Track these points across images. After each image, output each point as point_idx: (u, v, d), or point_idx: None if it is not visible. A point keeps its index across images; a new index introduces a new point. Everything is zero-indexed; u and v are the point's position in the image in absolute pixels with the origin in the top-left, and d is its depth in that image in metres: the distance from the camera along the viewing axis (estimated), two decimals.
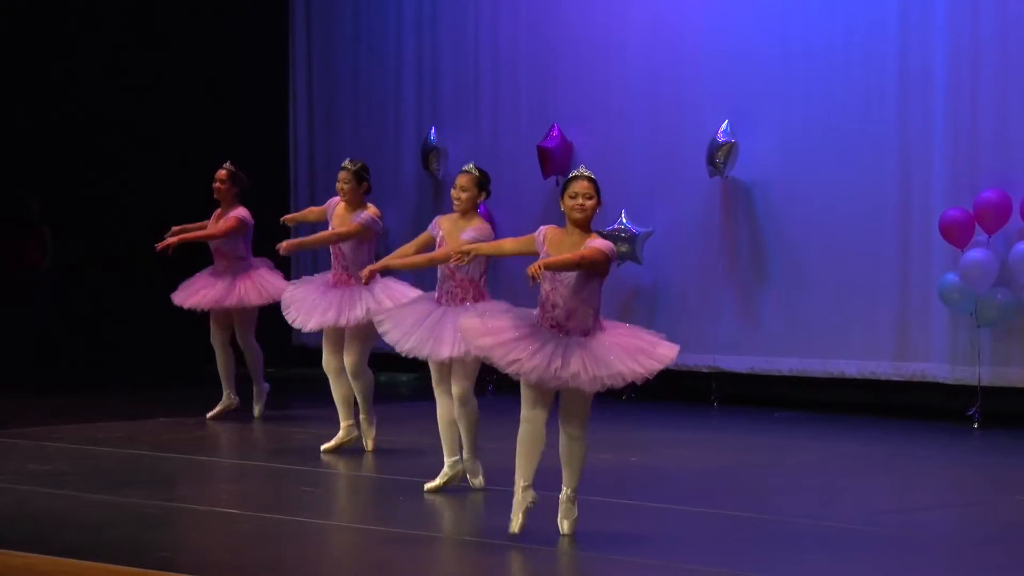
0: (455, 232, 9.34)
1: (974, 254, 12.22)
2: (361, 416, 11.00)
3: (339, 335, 10.92)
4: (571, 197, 8.00)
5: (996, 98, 12.38)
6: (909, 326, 12.82)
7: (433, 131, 15.33)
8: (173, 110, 16.84)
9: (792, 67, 13.41)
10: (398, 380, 15.02)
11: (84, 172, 17.16)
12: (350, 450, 10.95)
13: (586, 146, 14.38)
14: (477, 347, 8.05)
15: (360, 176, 10.94)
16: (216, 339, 12.64)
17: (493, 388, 13.30)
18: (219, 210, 12.52)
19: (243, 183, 12.50)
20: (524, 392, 8.00)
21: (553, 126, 14.43)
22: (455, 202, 9.43)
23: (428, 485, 9.45)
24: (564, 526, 8.11)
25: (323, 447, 11.01)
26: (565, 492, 8.08)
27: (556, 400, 8.08)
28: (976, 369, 12.40)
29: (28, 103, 17.09)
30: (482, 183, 9.45)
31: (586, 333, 7.97)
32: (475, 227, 9.32)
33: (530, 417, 7.99)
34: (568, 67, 14.67)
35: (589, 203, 7.98)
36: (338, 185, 10.98)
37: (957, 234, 12.30)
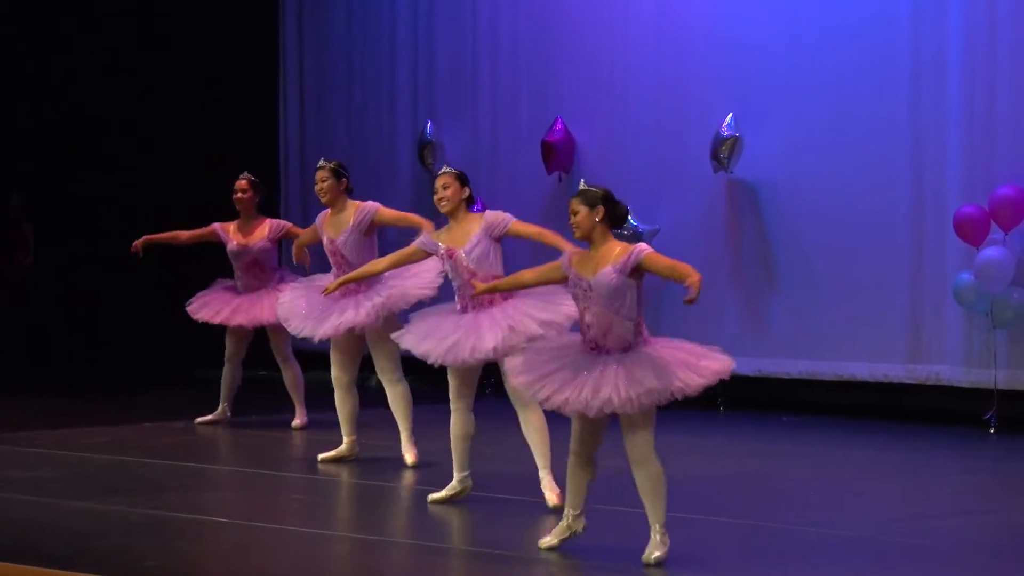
0: (461, 239, 9.05)
1: (990, 252, 12.09)
2: (402, 436, 10.49)
3: (349, 347, 10.50)
4: (569, 220, 7.95)
5: (1012, 92, 12.27)
6: (922, 327, 12.72)
7: (429, 125, 15.19)
8: (173, 110, 16.82)
9: (800, 59, 13.28)
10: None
11: (81, 171, 17.15)
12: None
13: (588, 141, 14.26)
14: (516, 383, 8.07)
15: (338, 173, 10.57)
16: (231, 354, 12.43)
17: (492, 390, 13.09)
18: (238, 220, 12.25)
19: (263, 191, 12.40)
20: (572, 427, 7.87)
21: (556, 120, 14.27)
22: (440, 203, 9.15)
23: (432, 496, 9.22)
24: (651, 558, 7.69)
25: (320, 456, 10.71)
26: (652, 528, 7.71)
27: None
28: (992, 372, 12.27)
29: (27, 102, 17.12)
30: (463, 179, 9.22)
31: (627, 349, 7.72)
32: (486, 223, 9.04)
33: (575, 450, 7.89)
34: (569, 59, 14.54)
35: (577, 218, 7.88)
36: (316, 187, 10.55)
37: (972, 232, 12.16)
